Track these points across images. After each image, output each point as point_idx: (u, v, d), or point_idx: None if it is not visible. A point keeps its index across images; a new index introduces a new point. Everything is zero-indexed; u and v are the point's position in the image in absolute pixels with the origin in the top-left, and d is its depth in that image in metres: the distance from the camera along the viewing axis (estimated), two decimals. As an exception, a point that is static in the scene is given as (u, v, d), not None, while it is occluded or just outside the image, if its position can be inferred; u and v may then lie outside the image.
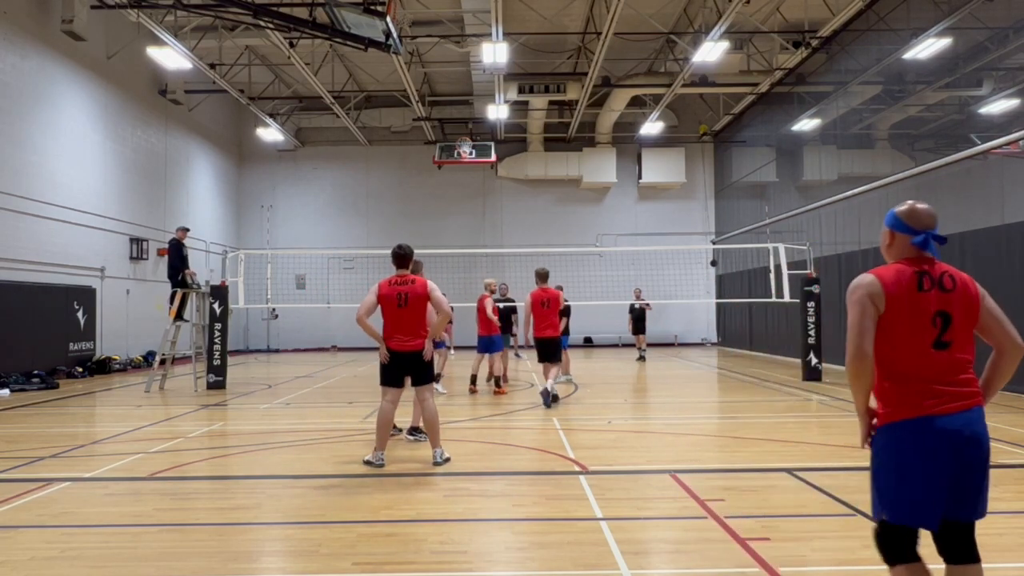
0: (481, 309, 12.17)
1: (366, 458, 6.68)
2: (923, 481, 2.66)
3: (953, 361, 2.73)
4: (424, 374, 6.72)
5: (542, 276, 11.22)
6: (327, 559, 4.24)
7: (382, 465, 6.54)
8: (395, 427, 8.34)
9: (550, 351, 10.89)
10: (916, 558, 2.76)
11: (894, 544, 2.77)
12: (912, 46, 15.57)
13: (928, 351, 2.72)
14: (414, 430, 7.97)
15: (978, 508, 2.73)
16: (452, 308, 12.20)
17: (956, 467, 2.66)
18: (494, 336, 12.20)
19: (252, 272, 19.17)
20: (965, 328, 2.77)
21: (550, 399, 10.44)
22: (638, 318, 20.02)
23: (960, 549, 2.76)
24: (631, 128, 26.23)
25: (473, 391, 12.20)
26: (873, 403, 2.86)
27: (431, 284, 6.67)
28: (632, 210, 28.01)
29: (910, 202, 2.94)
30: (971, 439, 2.68)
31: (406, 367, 6.67)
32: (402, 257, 6.82)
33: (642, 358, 19.87)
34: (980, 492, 2.71)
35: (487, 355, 12.40)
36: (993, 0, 14.85)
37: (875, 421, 2.85)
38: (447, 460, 6.70)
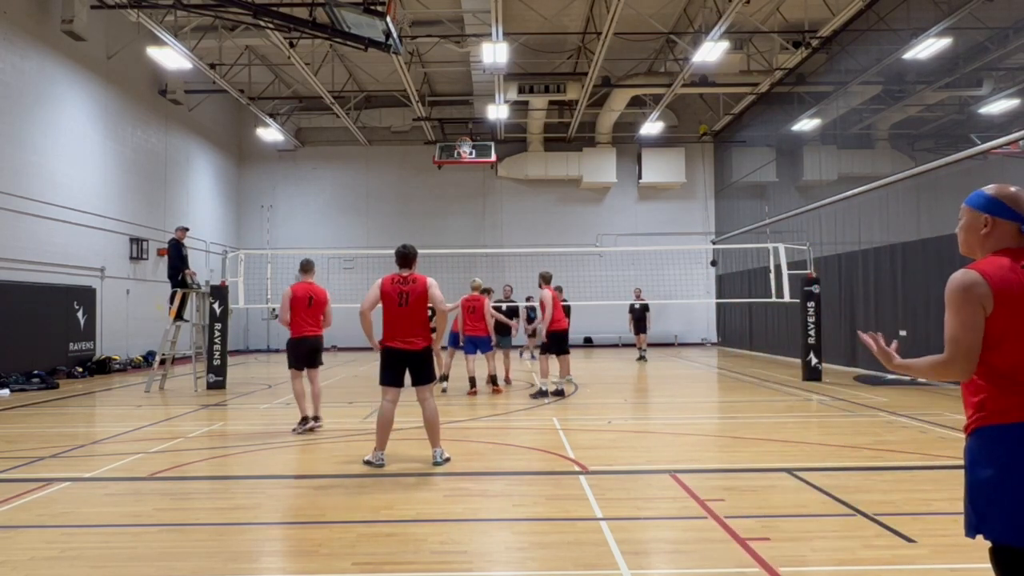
0: (479, 310, 12.15)
1: (366, 458, 6.69)
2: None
3: None
4: (424, 374, 6.72)
5: (548, 279, 12.16)
6: (327, 559, 4.24)
7: (382, 465, 6.54)
8: (311, 418, 8.69)
9: (565, 343, 12.29)
10: None
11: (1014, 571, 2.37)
12: (912, 46, 15.56)
13: None
14: (315, 419, 8.69)
15: None
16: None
17: None
18: (483, 337, 12.23)
19: (252, 272, 19.19)
20: None
21: (562, 390, 11.90)
22: (639, 318, 20.02)
23: None
24: (631, 128, 26.22)
25: (473, 393, 12.21)
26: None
27: (431, 281, 6.70)
28: (632, 210, 28.01)
29: (999, 185, 2.57)
30: None
31: (407, 367, 6.67)
32: (405, 257, 6.86)
33: (643, 358, 19.86)
34: None
35: (478, 355, 12.44)
36: (993, 0, 14.84)
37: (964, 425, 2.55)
38: (447, 460, 6.71)
